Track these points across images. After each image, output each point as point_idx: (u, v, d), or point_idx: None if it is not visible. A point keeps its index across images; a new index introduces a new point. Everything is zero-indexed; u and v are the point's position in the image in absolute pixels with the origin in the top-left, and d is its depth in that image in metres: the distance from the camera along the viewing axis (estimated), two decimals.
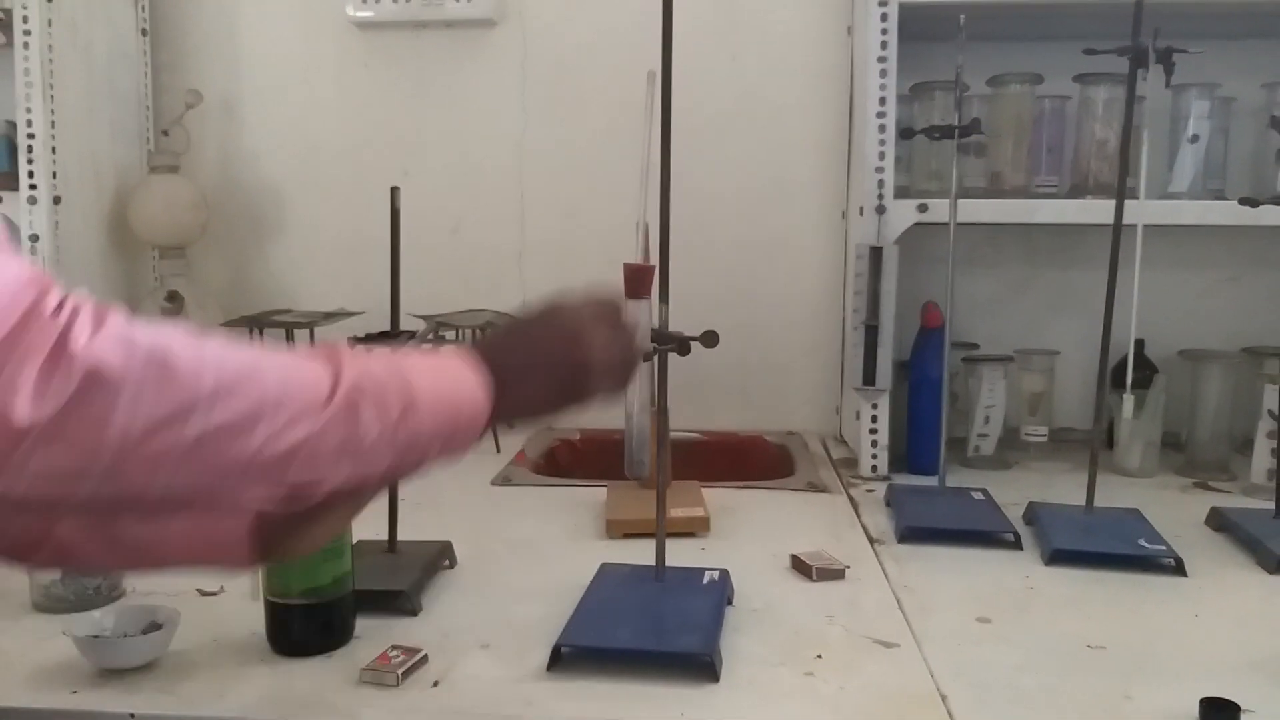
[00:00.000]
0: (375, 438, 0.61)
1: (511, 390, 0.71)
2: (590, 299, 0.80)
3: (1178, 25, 1.24)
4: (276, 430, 0.57)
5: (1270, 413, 1.43)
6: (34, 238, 1.58)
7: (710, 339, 0.96)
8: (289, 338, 1.73)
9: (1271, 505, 1.28)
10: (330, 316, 1.73)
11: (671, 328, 1.00)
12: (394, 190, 1.07)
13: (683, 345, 0.94)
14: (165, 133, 1.81)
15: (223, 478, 0.57)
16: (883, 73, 1.47)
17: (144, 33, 1.83)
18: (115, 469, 0.53)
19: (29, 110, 1.57)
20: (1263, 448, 1.46)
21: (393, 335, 1.09)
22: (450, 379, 0.67)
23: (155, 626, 0.91)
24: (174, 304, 1.75)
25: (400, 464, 0.65)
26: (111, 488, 0.54)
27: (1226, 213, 1.45)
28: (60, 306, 0.52)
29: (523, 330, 0.78)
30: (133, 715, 0.83)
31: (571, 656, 0.89)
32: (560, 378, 0.75)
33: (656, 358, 0.98)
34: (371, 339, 1.12)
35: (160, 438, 0.53)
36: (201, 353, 0.56)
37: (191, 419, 0.54)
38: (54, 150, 1.60)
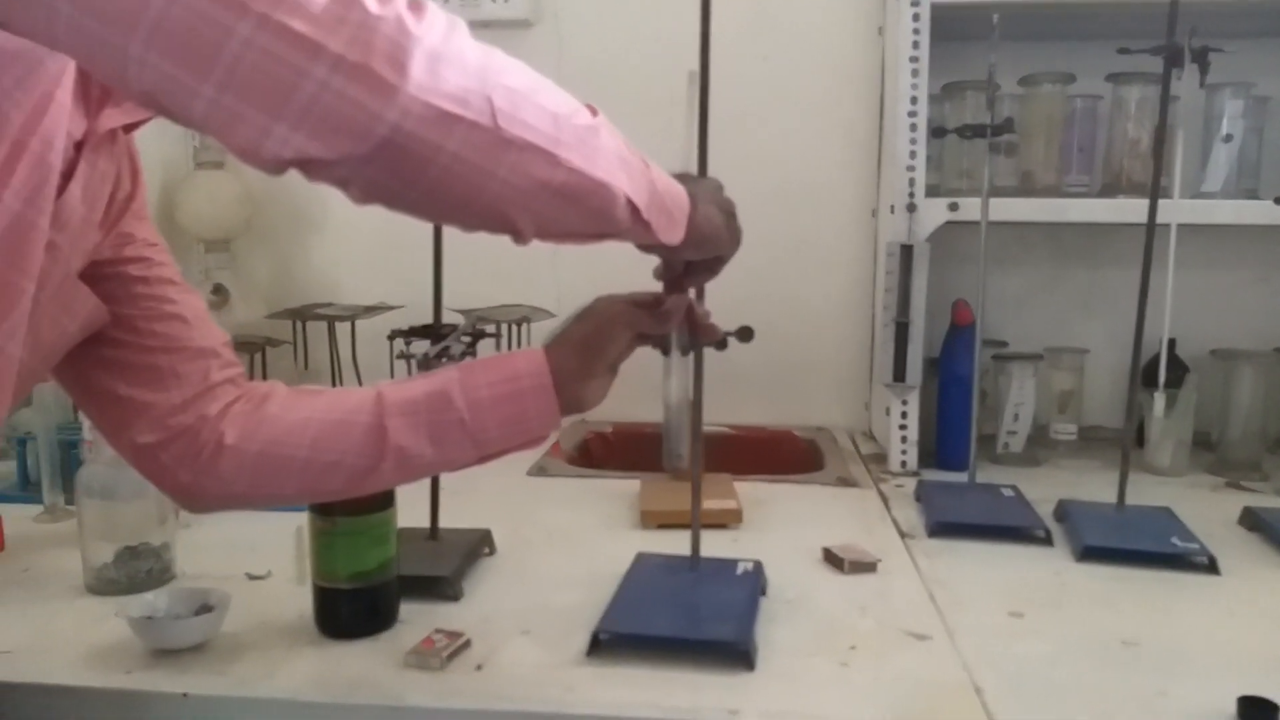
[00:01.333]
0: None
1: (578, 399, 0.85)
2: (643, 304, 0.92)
3: (1211, 24, 1.24)
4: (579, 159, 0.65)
5: None
6: None
7: (746, 334, 0.98)
8: (331, 331, 1.77)
9: None
10: (370, 310, 1.76)
11: None
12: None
13: (720, 340, 0.96)
14: None
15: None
16: (914, 72, 1.48)
17: None
18: (493, 105, 0.59)
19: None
20: None
21: (435, 329, 1.12)
22: (520, 432, 0.84)
23: (206, 608, 0.94)
24: (219, 296, 1.78)
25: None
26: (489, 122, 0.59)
27: (1261, 212, 1.45)
28: None
29: (591, 342, 0.89)
30: (186, 694, 0.86)
31: (610, 643, 0.91)
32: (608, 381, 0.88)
33: (694, 352, 1.00)
34: (415, 332, 1.15)
35: (526, 100, 0.62)
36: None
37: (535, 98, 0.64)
38: None
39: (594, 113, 0.69)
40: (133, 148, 0.82)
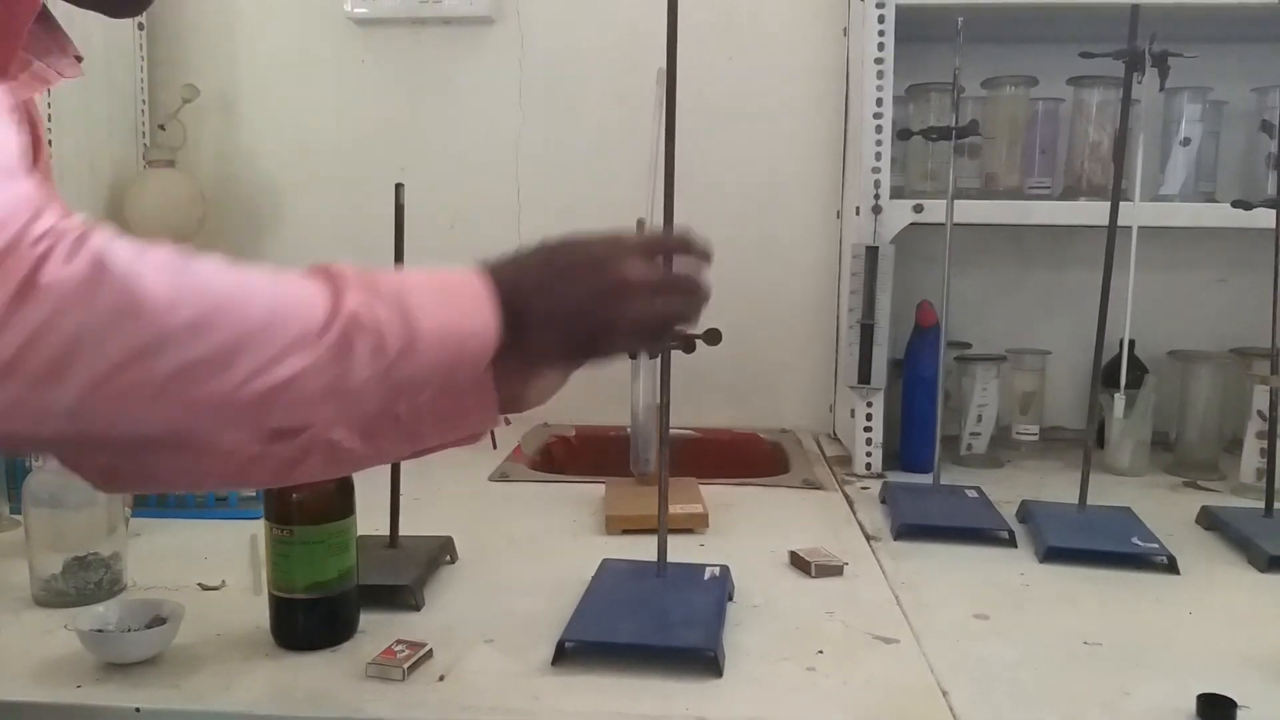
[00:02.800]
0: (366, 378, 0.57)
1: (525, 337, 0.65)
2: (640, 240, 0.73)
3: (1169, 29, 1.25)
4: (259, 366, 0.53)
5: (1259, 413, 1.45)
6: None
7: (714, 337, 0.97)
8: None
9: (1260, 504, 1.30)
10: None
11: None
12: (398, 187, 1.07)
13: (688, 342, 0.95)
14: (162, 127, 1.80)
15: (196, 418, 0.53)
16: (880, 74, 1.49)
17: (141, 27, 1.83)
18: (79, 408, 0.50)
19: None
20: (1252, 447, 1.48)
21: None
22: (459, 312, 0.63)
23: (159, 620, 0.91)
24: None
25: (388, 405, 0.63)
26: (77, 426, 0.51)
27: (1218, 215, 1.47)
28: (44, 234, 0.49)
29: (551, 269, 0.68)
30: (138, 709, 0.83)
31: (575, 651, 0.90)
32: (582, 333, 0.68)
33: (661, 355, 0.98)
34: None
35: (127, 375, 0.50)
36: (181, 279, 0.52)
37: (162, 355, 0.50)
38: (50, 144, 1.59)
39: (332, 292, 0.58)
40: (34, 113, 0.76)
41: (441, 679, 0.87)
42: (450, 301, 0.63)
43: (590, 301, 0.68)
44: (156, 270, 0.51)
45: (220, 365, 0.52)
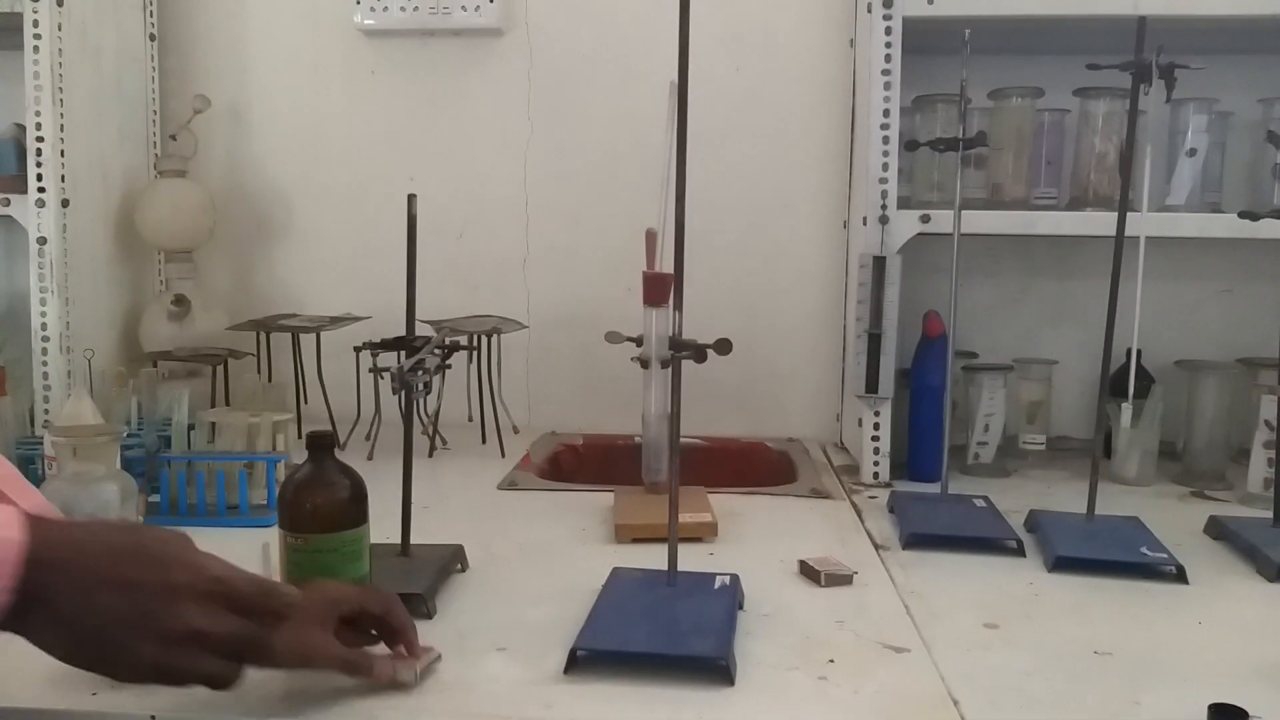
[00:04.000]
0: None
1: (28, 627, 0.62)
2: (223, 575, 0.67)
3: (1175, 40, 1.26)
4: None
5: (1267, 422, 1.45)
6: (42, 240, 1.58)
7: (724, 346, 0.98)
8: (295, 343, 1.74)
9: (1269, 514, 1.30)
10: (336, 321, 1.74)
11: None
12: (411, 198, 1.08)
13: (699, 353, 0.95)
14: (173, 137, 1.81)
15: None
16: (886, 85, 1.49)
17: (152, 38, 1.84)
18: None
19: (38, 113, 1.57)
20: (1259, 457, 1.48)
21: (407, 341, 1.10)
22: None
23: None
24: (180, 307, 1.75)
25: None
26: None
27: (1225, 225, 1.47)
28: None
29: (102, 575, 0.63)
30: (153, 717, 0.83)
31: (587, 660, 0.90)
32: (94, 652, 0.64)
33: (673, 365, 0.99)
34: (386, 345, 1.13)
35: None
36: None
37: None
38: (62, 153, 1.60)
39: None
40: None
41: (454, 686, 0.87)
42: None
43: (125, 624, 0.63)
44: None
45: None
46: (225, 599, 0.68)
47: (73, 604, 0.62)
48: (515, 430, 1.83)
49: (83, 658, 0.64)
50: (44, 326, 1.59)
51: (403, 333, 1.11)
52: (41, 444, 1.30)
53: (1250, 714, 0.81)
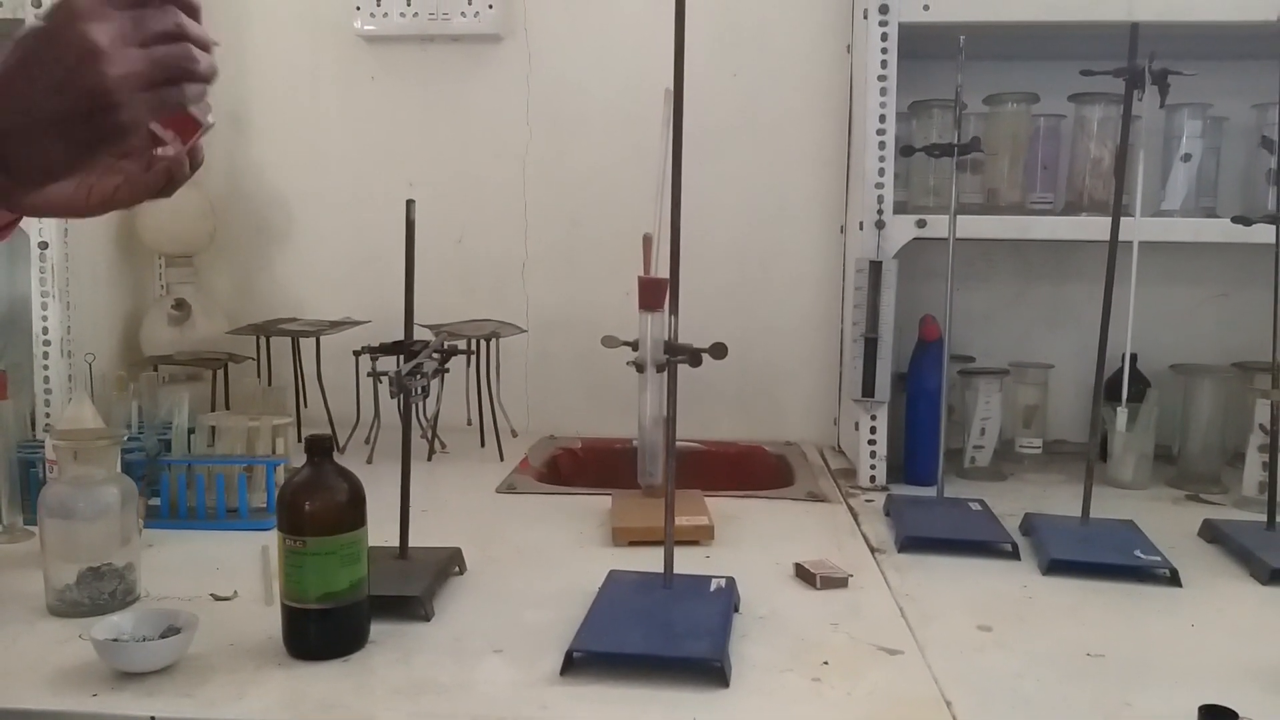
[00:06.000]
0: None
1: (10, 158, 0.58)
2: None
3: (1170, 46, 1.27)
4: None
5: (1261, 426, 1.46)
6: (43, 245, 1.59)
7: (719, 351, 0.98)
8: (295, 347, 1.75)
9: (1262, 518, 1.31)
10: (336, 325, 1.74)
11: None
12: (409, 203, 1.09)
13: (694, 357, 0.96)
14: None
15: None
16: (883, 90, 1.50)
17: None
18: None
19: None
20: (1254, 461, 1.49)
21: (406, 345, 1.11)
22: None
23: (173, 630, 0.93)
24: (181, 311, 1.76)
25: None
26: None
27: (1219, 230, 1.48)
28: None
29: (12, 66, 0.58)
30: (153, 718, 0.84)
31: (584, 661, 0.91)
32: (75, 127, 0.58)
33: (668, 369, 1.00)
34: (383, 349, 1.14)
35: None
36: None
37: None
38: None
39: None
40: None
41: (452, 688, 0.88)
42: None
43: (64, 87, 0.57)
44: None
45: None
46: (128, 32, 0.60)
47: (20, 121, 0.58)
48: (514, 434, 1.84)
49: (76, 153, 0.60)
50: (45, 330, 1.60)
51: (401, 337, 1.12)
52: (43, 447, 1.31)
53: (1240, 715, 0.81)
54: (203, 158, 0.73)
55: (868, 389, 1.53)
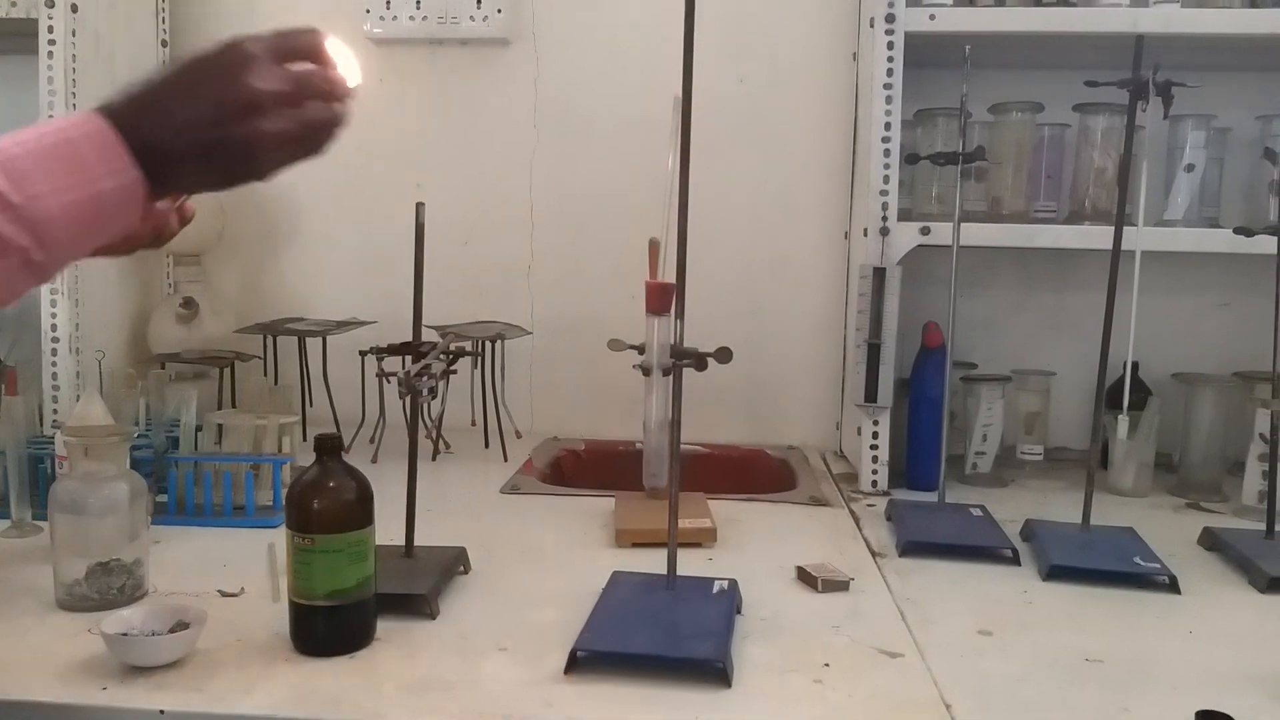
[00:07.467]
0: (11, 277, 0.60)
1: (167, 174, 0.64)
2: (263, 44, 0.67)
3: (1174, 57, 1.28)
4: None
5: (1261, 436, 1.46)
6: None
7: (725, 355, 0.99)
8: (301, 346, 1.76)
9: (1262, 526, 1.32)
10: (342, 325, 1.75)
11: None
12: (419, 206, 1.10)
13: (700, 361, 0.97)
14: None
15: None
16: (888, 99, 1.51)
17: (164, 44, 1.87)
18: None
19: (51, 118, 1.59)
20: (1254, 470, 1.50)
21: (414, 346, 1.12)
22: (86, 178, 0.61)
23: (182, 625, 0.94)
24: (189, 310, 1.77)
25: (48, 275, 0.63)
26: None
27: (1221, 240, 1.49)
28: None
29: (177, 97, 0.65)
30: (163, 712, 0.85)
31: (588, 661, 0.92)
32: (222, 159, 0.66)
33: (674, 373, 1.01)
34: (394, 350, 1.15)
35: None
36: None
37: None
38: None
39: None
40: None
41: (457, 686, 0.89)
42: (77, 168, 0.62)
43: (222, 123, 0.65)
44: None
45: None
46: (275, 57, 0.68)
47: (173, 137, 0.64)
48: (518, 435, 1.85)
49: (221, 166, 0.66)
50: (54, 328, 1.61)
51: (409, 338, 1.13)
52: (51, 443, 1.32)
53: None
54: (192, 214, 0.82)
55: (870, 394, 1.54)
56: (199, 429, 1.42)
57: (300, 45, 0.70)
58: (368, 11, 1.83)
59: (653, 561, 1.11)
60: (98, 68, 1.68)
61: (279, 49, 0.68)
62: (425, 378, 1.08)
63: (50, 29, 1.59)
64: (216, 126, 0.64)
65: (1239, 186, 1.72)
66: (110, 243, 0.71)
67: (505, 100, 1.88)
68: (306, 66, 0.69)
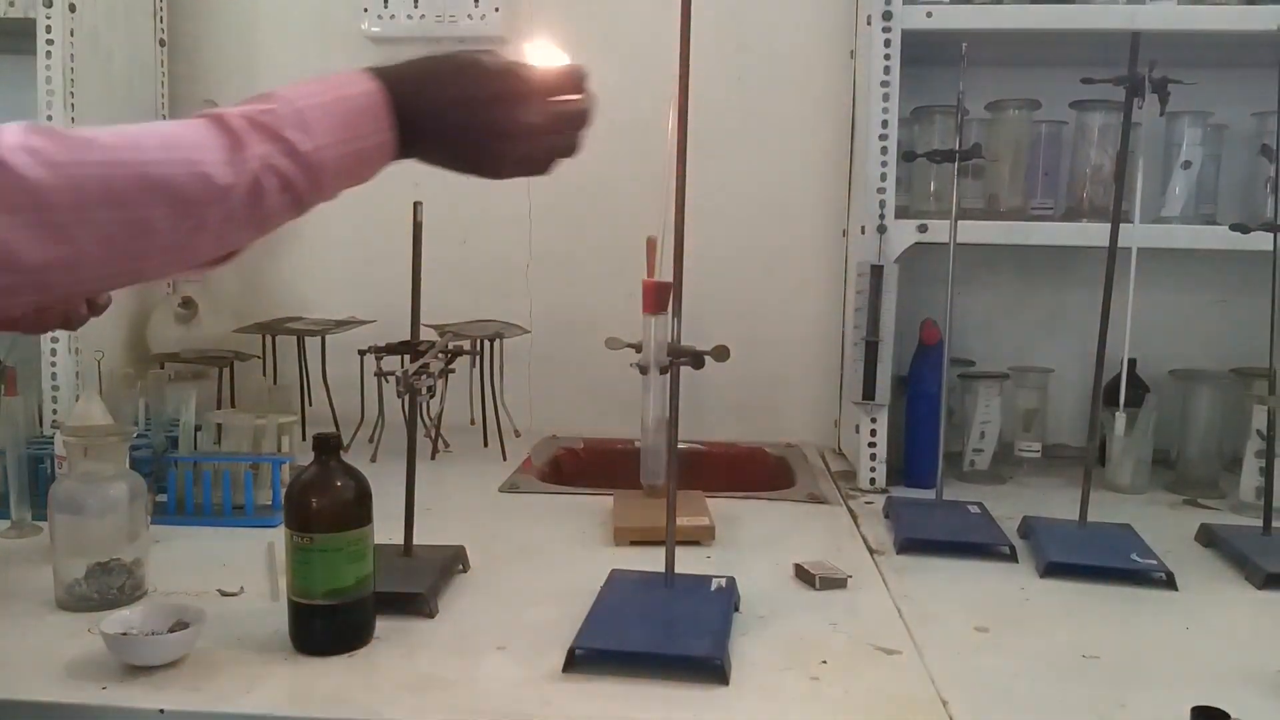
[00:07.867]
0: (279, 212, 0.67)
1: (414, 150, 0.72)
2: (539, 82, 0.74)
3: (1171, 54, 1.28)
4: (182, 226, 0.63)
5: (1259, 432, 1.47)
6: None
7: (722, 353, 1.00)
8: (300, 346, 1.76)
9: (1259, 523, 1.32)
10: (341, 324, 1.76)
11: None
12: (417, 205, 1.10)
13: (697, 359, 0.97)
14: None
15: (135, 271, 0.65)
16: (885, 96, 1.51)
17: (162, 44, 1.87)
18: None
19: (49, 117, 1.59)
20: (1251, 466, 1.50)
21: (412, 345, 1.13)
22: (357, 135, 0.69)
23: (182, 625, 0.94)
24: (188, 310, 1.77)
25: (301, 212, 0.70)
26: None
27: (1218, 237, 1.49)
28: None
29: (449, 95, 0.73)
30: (162, 711, 0.85)
31: (586, 659, 0.92)
32: (466, 159, 0.74)
33: (672, 371, 1.01)
34: (392, 349, 1.15)
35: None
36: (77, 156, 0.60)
37: (82, 228, 0.59)
38: None
39: None
40: None
41: (457, 684, 0.89)
42: (350, 124, 0.69)
43: (482, 136, 0.73)
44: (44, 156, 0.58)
45: (141, 230, 0.62)
46: (544, 91, 0.75)
47: (433, 123, 0.72)
48: (516, 434, 1.85)
49: (459, 165, 0.74)
50: None
51: (407, 337, 1.14)
52: (51, 443, 1.32)
53: (1232, 717, 0.83)
54: (107, 301, 0.88)
55: (868, 392, 1.55)
56: (198, 429, 1.42)
57: (569, 83, 0.77)
58: (365, 10, 1.83)
59: (651, 559, 1.11)
60: (95, 67, 1.68)
61: (550, 87, 0.75)
62: (424, 377, 1.08)
63: (48, 29, 1.58)
64: (473, 133, 0.72)
65: (1236, 183, 1.72)
66: (19, 317, 0.80)
67: None
68: (567, 99, 0.76)
